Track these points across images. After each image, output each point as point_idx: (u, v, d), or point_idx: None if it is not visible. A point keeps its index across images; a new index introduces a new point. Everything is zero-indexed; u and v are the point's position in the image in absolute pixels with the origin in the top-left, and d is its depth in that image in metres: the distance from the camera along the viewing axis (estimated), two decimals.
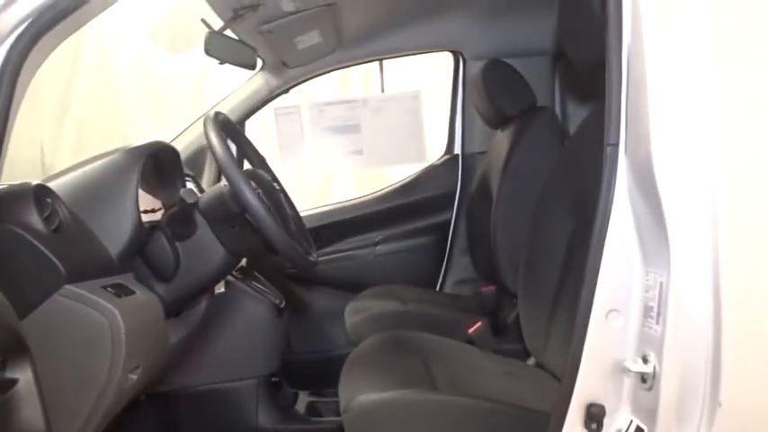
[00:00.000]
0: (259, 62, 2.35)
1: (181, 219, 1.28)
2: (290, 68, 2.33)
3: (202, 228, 1.30)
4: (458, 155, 2.56)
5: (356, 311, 2.11)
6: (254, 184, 1.29)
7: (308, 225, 2.51)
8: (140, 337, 1.14)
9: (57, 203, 1.12)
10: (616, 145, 1.02)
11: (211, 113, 1.32)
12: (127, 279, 1.21)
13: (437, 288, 2.58)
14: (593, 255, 1.03)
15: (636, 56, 0.99)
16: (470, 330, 1.72)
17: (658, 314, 0.98)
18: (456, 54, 2.51)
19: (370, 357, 1.56)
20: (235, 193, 1.21)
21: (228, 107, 2.37)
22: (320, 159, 2.57)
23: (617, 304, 1.03)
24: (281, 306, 1.84)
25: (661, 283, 0.98)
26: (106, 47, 3.68)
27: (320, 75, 2.43)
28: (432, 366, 1.50)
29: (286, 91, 2.43)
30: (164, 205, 1.40)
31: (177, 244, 1.29)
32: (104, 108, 3.70)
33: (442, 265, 2.57)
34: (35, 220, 1.05)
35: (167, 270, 1.28)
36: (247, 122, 2.48)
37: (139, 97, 3.74)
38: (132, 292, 1.17)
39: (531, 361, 1.68)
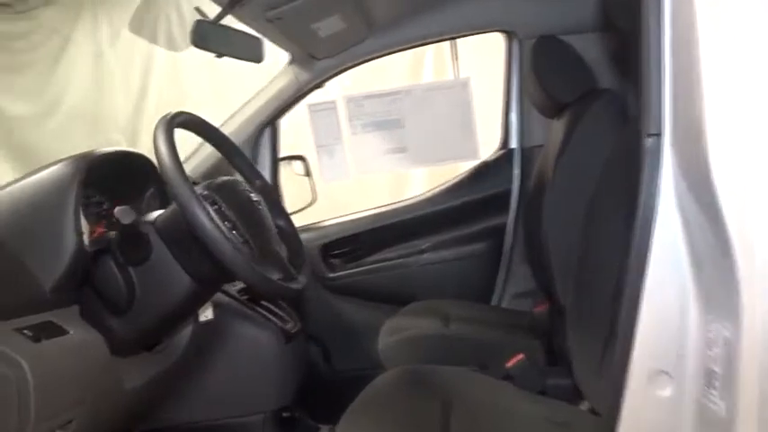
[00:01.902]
0: (287, 55, 2.15)
1: (130, 241, 1.08)
2: (318, 60, 2.10)
3: (159, 250, 1.09)
4: (514, 149, 2.24)
5: (392, 332, 1.85)
6: (212, 199, 1.06)
7: (347, 232, 2.32)
8: (68, 387, 0.95)
9: None
10: (658, 135, 0.71)
11: (169, 114, 1.10)
12: (63, 315, 1.02)
13: (495, 302, 2.27)
14: (629, 288, 0.73)
15: (682, 15, 0.68)
16: (508, 364, 1.42)
17: (724, 384, 0.66)
18: (508, 34, 2.19)
19: (381, 398, 1.30)
20: (182, 210, 0.99)
21: (257, 106, 2.18)
22: (360, 159, 2.33)
23: (665, 364, 0.72)
24: (293, 330, 1.61)
25: (727, 338, 0.66)
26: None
27: (354, 66, 2.18)
28: (452, 413, 1.22)
29: (319, 85, 2.20)
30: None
31: (131, 270, 1.09)
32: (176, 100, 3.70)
33: (498, 276, 2.26)
34: None
35: (119, 300, 1.08)
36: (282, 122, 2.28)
37: (208, 91, 3.69)
38: (63, 332, 0.98)
39: (585, 405, 1.36)
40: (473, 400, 1.28)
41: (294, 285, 1.12)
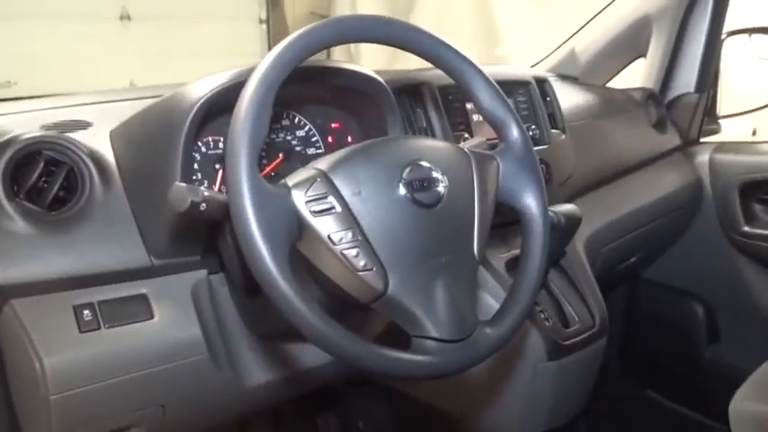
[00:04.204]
0: None
1: None
2: None
3: None
4: None
5: (762, 388, 1.08)
6: (325, 187, 0.63)
7: None
8: (123, 389, 0.75)
9: (74, 165, 0.76)
10: None
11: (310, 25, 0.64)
12: (168, 286, 0.80)
13: None
14: None
15: None
16: None
17: None
18: None
19: None
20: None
21: None
22: None
23: None
24: (575, 337, 1.03)
25: None
26: None
27: None
28: None
29: None
30: None
31: None
32: None
33: None
34: None
35: (236, 279, 0.79)
36: None
37: None
38: (145, 316, 0.76)
39: None
40: None
41: (430, 359, 0.62)
